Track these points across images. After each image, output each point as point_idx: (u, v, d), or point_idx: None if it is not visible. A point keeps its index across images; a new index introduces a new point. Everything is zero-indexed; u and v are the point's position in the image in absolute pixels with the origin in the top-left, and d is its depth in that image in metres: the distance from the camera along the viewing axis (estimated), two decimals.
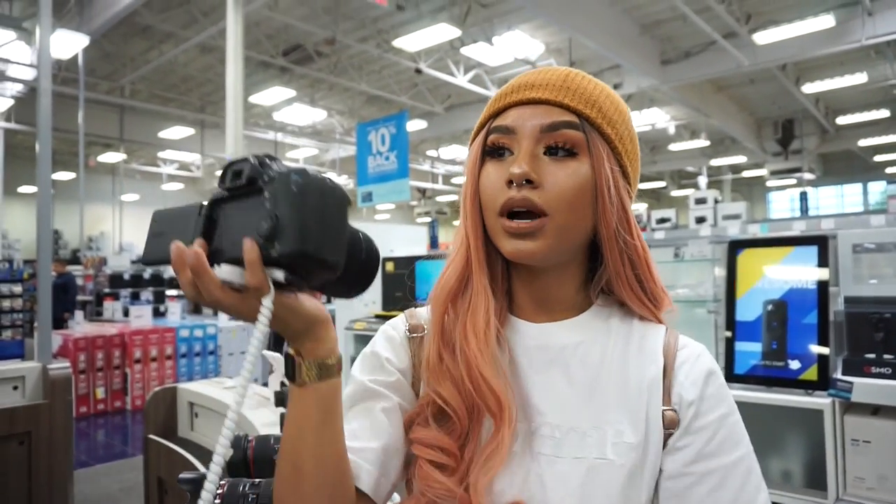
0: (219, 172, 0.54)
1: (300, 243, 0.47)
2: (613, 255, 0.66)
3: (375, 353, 0.71)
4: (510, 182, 0.62)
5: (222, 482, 0.98)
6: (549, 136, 0.63)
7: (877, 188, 19.59)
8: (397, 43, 9.42)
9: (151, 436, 2.30)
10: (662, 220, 7.04)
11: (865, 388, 2.91)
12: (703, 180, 15.29)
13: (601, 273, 0.68)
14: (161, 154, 17.46)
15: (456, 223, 0.73)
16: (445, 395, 0.62)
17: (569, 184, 0.62)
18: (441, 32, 8.80)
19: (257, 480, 0.99)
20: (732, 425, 0.64)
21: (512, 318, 0.69)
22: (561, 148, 0.63)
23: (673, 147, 16.24)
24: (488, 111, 0.69)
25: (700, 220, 7.06)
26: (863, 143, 15.72)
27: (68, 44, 8.15)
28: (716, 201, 7.53)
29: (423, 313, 0.74)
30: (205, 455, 2.07)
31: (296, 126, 15.07)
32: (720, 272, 3.61)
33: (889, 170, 18.60)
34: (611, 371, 0.66)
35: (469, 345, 0.63)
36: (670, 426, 0.63)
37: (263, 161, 0.50)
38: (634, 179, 0.69)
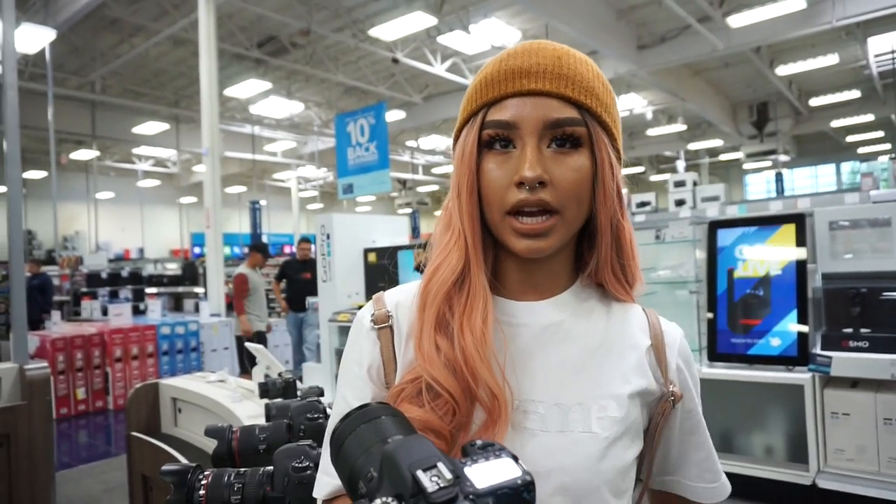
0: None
1: None
2: (606, 242, 0.67)
3: (351, 366, 0.70)
4: (520, 183, 0.61)
5: (206, 472, 0.97)
6: (553, 131, 0.63)
7: (849, 168, 19.94)
8: (373, 32, 9.33)
9: (134, 433, 2.27)
10: (643, 204, 7.10)
11: (844, 361, 2.97)
12: (681, 164, 15.45)
13: (594, 258, 0.69)
14: (136, 150, 17.16)
15: (438, 213, 0.71)
16: (441, 380, 0.61)
17: (577, 178, 0.62)
18: (417, 21, 8.73)
19: (242, 470, 0.98)
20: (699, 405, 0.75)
21: (496, 297, 0.69)
22: (566, 140, 0.63)
23: (651, 132, 16.36)
24: (481, 99, 0.66)
25: (679, 202, 7.13)
26: (835, 123, 15.98)
27: (34, 38, 7.93)
28: (694, 184, 7.60)
29: (390, 298, 0.72)
30: (189, 450, 2.04)
31: (273, 119, 14.89)
32: (700, 254, 3.65)
33: (861, 150, 18.93)
34: (593, 349, 0.67)
35: (466, 341, 0.62)
36: (676, 399, 0.69)
37: None
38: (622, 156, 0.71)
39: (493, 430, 0.60)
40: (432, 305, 0.65)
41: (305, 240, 6.86)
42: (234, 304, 6.29)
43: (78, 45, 10.46)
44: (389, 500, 0.39)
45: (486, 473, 0.41)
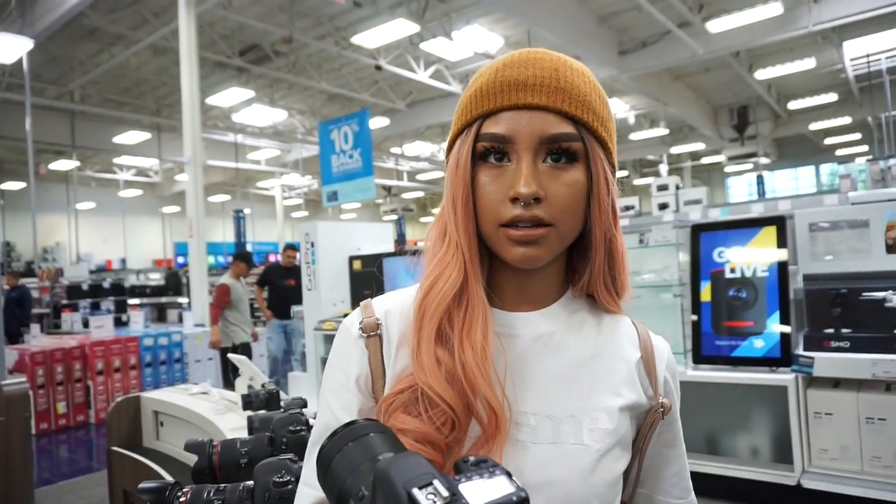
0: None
1: None
2: (599, 256, 0.67)
3: (338, 375, 0.67)
4: (515, 198, 0.60)
5: (185, 489, 0.95)
6: (549, 146, 0.62)
7: (828, 170, 20.26)
8: (356, 40, 9.33)
9: (115, 447, 2.23)
10: (626, 208, 7.15)
11: (826, 362, 3.00)
12: (663, 168, 15.56)
13: (587, 271, 0.69)
14: (117, 160, 16.96)
15: (423, 220, 0.70)
16: (441, 392, 0.59)
17: (572, 194, 0.62)
18: (399, 28, 8.74)
19: (222, 486, 0.96)
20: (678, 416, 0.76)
21: (491, 308, 0.68)
22: (562, 154, 0.62)
23: (633, 136, 16.48)
24: (476, 110, 0.64)
25: (663, 206, 7.19)
26: (814, 126, 16.23)
27: (11, 47, 7.82)
28: (677, 188, 7.68)
29: (379, 305, 0.70)
30: (171, 464, 2.01)
31: (256, 127, 14.80)
32: (684, 257, 3.67)
33: (839, 151, 19.23)
34: (585, 361, 0.67)
35: (466, 356, 0.61)
36: (665, 410, 0.70)
37: None
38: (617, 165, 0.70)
39: (490, 445, 0.59)
40: (433, 318, 0.63)
41: (291, 247, 6.77)
42: (211, 313, 6.14)
43: (56, 55, 10.34)
44: None
45: (480, 490, 0.41)
